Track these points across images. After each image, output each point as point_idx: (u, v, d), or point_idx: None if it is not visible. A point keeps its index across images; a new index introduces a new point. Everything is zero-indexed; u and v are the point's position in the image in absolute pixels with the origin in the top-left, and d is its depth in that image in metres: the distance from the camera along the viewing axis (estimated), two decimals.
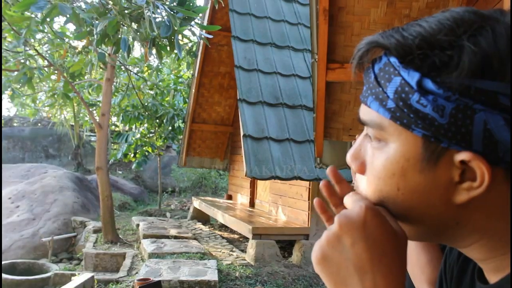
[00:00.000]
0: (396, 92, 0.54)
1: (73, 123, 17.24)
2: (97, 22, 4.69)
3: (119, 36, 5.22)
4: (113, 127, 15.95)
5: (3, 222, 10.39)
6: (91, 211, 11.30)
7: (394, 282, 0.54)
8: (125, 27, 4.94)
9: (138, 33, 5.09)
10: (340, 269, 0.55)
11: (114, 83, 11.75)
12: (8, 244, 9.71)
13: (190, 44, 12.57)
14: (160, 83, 12.83)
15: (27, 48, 7.45)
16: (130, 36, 5.39)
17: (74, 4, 5.16)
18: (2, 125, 16.85)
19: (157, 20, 4.52)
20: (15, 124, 19.47)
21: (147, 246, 7.92)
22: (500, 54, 0.49)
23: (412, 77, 0.53)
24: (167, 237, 8.77)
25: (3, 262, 8.65)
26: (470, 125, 0.50)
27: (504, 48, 0.49)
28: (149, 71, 12.83)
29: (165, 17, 4.44)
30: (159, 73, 12.90)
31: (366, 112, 0.60)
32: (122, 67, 11.57)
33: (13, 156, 17.34)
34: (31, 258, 9.32)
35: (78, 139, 17.81)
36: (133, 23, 5.07)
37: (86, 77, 10.49)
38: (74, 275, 7.01)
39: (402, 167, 0.56)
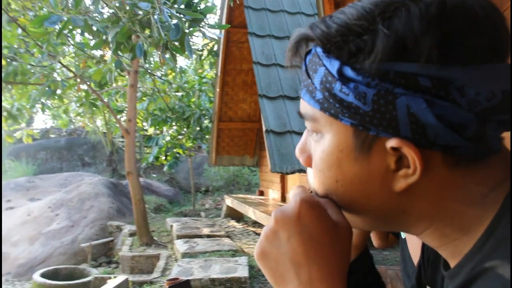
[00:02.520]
0: (322, 83, 0.54)
1: (105, 131, 17.69)
2: (109, 31, 4.81)
3: (134, 42, 5.33)
4: (143, 131, 16.27)
5: (44, 230, 10.79)
6: (127, 215, 11.57)
7: (332, 274, 0.54)
8: (137, 34, 5.03)
9: (150, 38, 5.18)
10: (278, 264, 0.56)
11: (140, 88, 11.97)
12: (50, 251, 10.08)
13: (210, 44, 12.64)
14: (186, 84, 12.97)
15: (52, 61, 7.70)
16: (146, 42, 5.49)
17: (89, 15, 5.29)
18: (39, 137, 17.43)
19: (166, 24, 4.59)
20: (51, 136, 20.13)
21: (180, 246, 8.06)
22: (414, 35, 0.48)
23: (333, 66, 0.52)
24: (200, 236, 8.90)
25: (47, 269, 9.01)
26: (394, 111, 0.49)
27: (418, 29, 0.48)
28: (173, 73, 13.00)
29: (173, 21, 4.50)
30: (183, 75, 13.04)
31: (302, 105, 0.60)
32: (148, 71, 11.78)
33: (51, 167, 17.94)
34: (72, 263, 9.65)
35: (111, 146, 18.25)
36: (145, 29, 5.17)
37: (113, 85, 10.73)
38: (110, 278, 7.22)
39: (337, 158, 0.55)
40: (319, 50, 0.55)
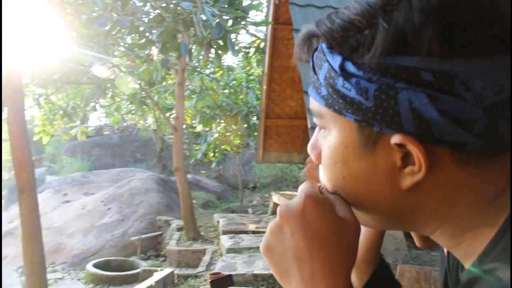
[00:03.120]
0: (325, 78, 0.53)
1: (156, 128, 18.16)
2: (154, 31, 4.94)
3: (180, 41, 5.45)
4: (192, 128, 16.59)
5: (97, 223, 11.26)
6: (175, 210, 11.84)
7: (335, 271, 0.53)
8: (182, 33, 5.14)
9: (194, 37, 5.27)
10: (282, 259, 0.55)
11: (189, 86, 12.19)
12: (102, 243, 10.52)
13: (257, 42, 12.69)
14: (233, 82, 13.07)
15: (104, 62, 7.98)
16: (190, 41, 5.60)
17: (135, 16, 5.46)
18: (94, 134, 18.15)
19: (208, 22, 4.66)
20: (105, 133, 20.89)
21: (226, 241, 8.18)
22: (414, 27, 0.46)
23: (336, 61, 0.52)
24: (246, 232, 8.98)
25: (99, 260, 9.43)
26: (396, 106, 0.47)
27: (418, 21, 0.46)
28: (220, 71, 13.14)
29: (215, 19, 4.56)
30: (230, 72, 13.16)
31: (310, 102, 0.60)
32: (196, 70, 11.97)
33: (105, 163, 18.63)
34: (123, 255, 10.03)
35: (162, 143, 18.71)
36: (189, 28, 5.27)
37: (163, 83, 10.98)
38: (157, 270, 7.43)
39: (342, 154, 0.54)
40: (323, 46, 0.55)
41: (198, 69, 11.87)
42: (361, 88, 0.49)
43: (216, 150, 13.37)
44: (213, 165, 13.70)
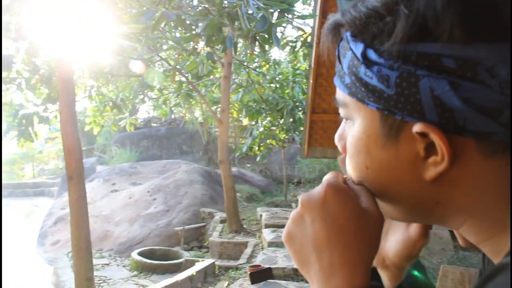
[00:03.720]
0: (349, 67, 0.53)
1: (202, 121, 18.42)
2: (200, 24, 5.00)
3: (224, 34, 5.49)
4: (238, 122, 16.71)
5: (143, 213, 11.58)
6: (219, 203, 12.01)
7: (353, 261, 0.52)
8: (227, 26, 5.17)
9: (239, 30, 5.29)
10: (302, 247, 0.56)
11: (236, 80, 12.28)
12: (147, 232, 10.83)
13: (304, 35, 12.59)
14: (279, 76, 13.06)
15: (152, 55, 8.16)
16: (236, 34, 5.63)
17: (182, 9, 5.54)
18: (142, 126, 18.61)
19: (253, 15, 4.67)
20: (153, 125, 21.43)
21: (267, 235, 8.21)
22: (435, 13, 0.45)
23: (358, 49, 0.52)
24: None
25: (144, 248, 9.70)
26: (417, 94, 0.46)
27: (439, 6, 0.45)
28: (267, 65, 13.15)
29: (259, 12, 4.56)
30: (277, 66, 13.14)
31: (336, 91, 0.60)
32: (243, 64, 12.03)
33: (152, 154, 19.17)
34: (166, 245, 10.28)
35: (208, 136, 18.96)
36: (234, 21, 5.29)
37: (211, 77, 11.11)
38: (199, 261, 7.56)
39: (365, 144, 0.54)
40: (347, 34, 0.54)
41: (245, 63, 11.91)
42: (382, 76, 0.49)
43: (262, 144, 13.40)
44: (258, 159, 13.75)
